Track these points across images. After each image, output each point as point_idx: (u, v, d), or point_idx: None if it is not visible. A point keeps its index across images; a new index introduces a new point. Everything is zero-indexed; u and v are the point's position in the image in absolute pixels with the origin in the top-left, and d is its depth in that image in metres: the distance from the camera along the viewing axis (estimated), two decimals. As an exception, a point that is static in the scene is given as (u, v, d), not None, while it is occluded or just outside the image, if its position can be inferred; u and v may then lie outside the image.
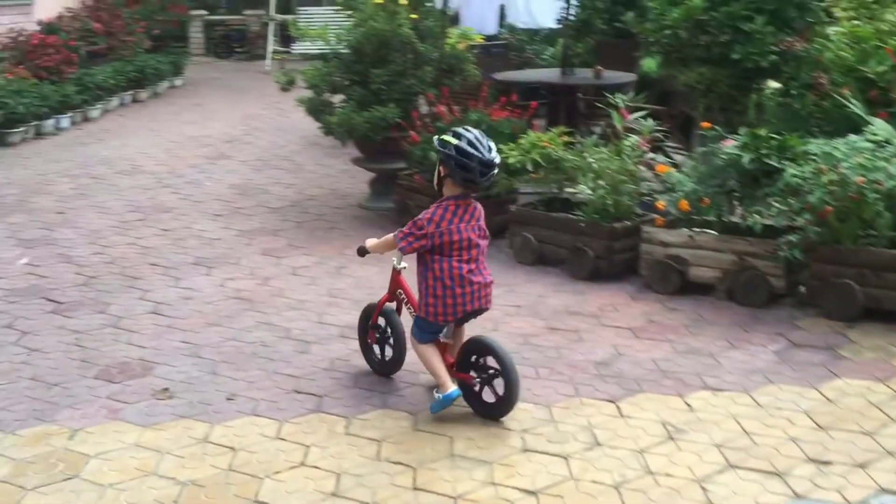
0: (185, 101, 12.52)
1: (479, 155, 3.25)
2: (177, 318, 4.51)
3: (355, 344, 4.02)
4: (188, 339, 4.23)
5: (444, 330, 3.47)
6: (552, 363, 3.92)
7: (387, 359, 3.79)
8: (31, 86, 9.50)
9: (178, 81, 14.18)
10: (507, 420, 3.37)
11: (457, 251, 3.31)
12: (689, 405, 3.50)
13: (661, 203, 4.98)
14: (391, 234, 3.49)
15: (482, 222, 3.41)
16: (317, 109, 6.34)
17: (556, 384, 3.70)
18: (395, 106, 6.06)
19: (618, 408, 3.49)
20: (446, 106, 6.16)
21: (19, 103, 8.96)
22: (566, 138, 5.55)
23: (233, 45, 18.77)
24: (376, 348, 3.83)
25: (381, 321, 3.77)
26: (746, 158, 4.58)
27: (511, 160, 5.39)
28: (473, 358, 3.42)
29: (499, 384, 3.34)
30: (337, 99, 6.49)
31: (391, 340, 3.73)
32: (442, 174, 3.38)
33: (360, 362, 3.91)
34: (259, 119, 11.02)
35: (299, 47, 15.18)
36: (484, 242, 3.40)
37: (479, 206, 3.42)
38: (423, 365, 3.47)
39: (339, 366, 3.92)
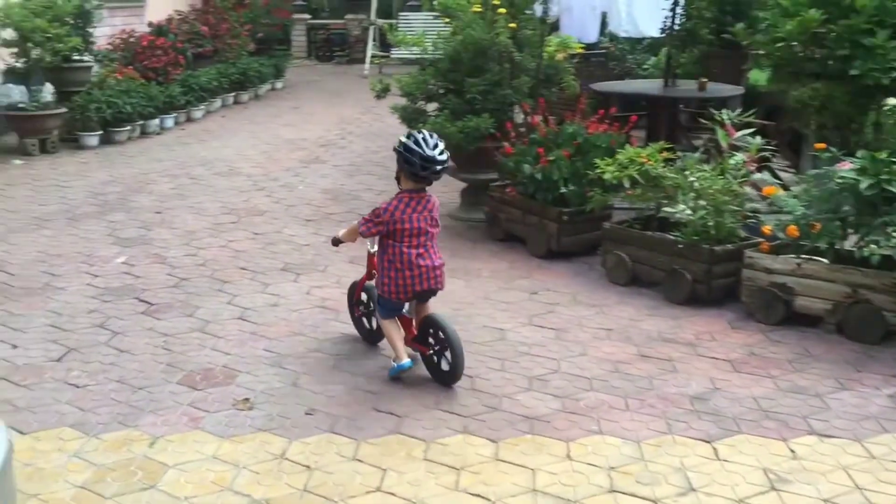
0: (283, 104, 12.73)
1: (421, 151, 3.68)
2: (262, 324, 4.50)
3: (438, 362, 3.94)
4: (272, 347, 4.21)
5: (406, 307, 3.91)
6: (643, 394, 3.71)
7: (374, 328, 4.20)
8: (139, 86, 9.80)
9: (278, 84, 14.45)
10: (593, 455, 3.20)
11: (407, 237, 3.74)
12: (792, 451, 3.25)
13: (768, 227, 4.70)
14: (356, 222, 3.95)
15: (435, 213, 3.83)
16: (410, 118, 6.28)
17: (647, 418, 3.50)
18: (490, 116, 5.94)
19: (714, 449, 3.26)
20: (542, 117, 6.00)
21: (127, 103, 9.25)
22: (666, 154, 5.31)
23: (333, 48, 19.07)
24: (364, 320, 4.29)
25: (364, 297, 4.23)
26: (865, 184, 4.25)
27: (607, 175, 5.20)
28: (429, 332, 3.84)
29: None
30: (431, 107, 6.42)
31: (376, 313, 4.07)
32: (398, 170, 3.82)
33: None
34: (354, 123, 11.09)
35: (398, 52, 15.26)
36: (434, 230, 3.83)
37: (433, 198, 3.85)
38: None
39: (419, 384, 3.82)
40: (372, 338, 4.25)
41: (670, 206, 5.07)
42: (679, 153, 5.60)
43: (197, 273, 5.27)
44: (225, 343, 4.24)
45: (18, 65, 8.66)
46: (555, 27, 10.67)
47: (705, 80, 7.41)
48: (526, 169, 5.64)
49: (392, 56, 16.56)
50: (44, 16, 8.55)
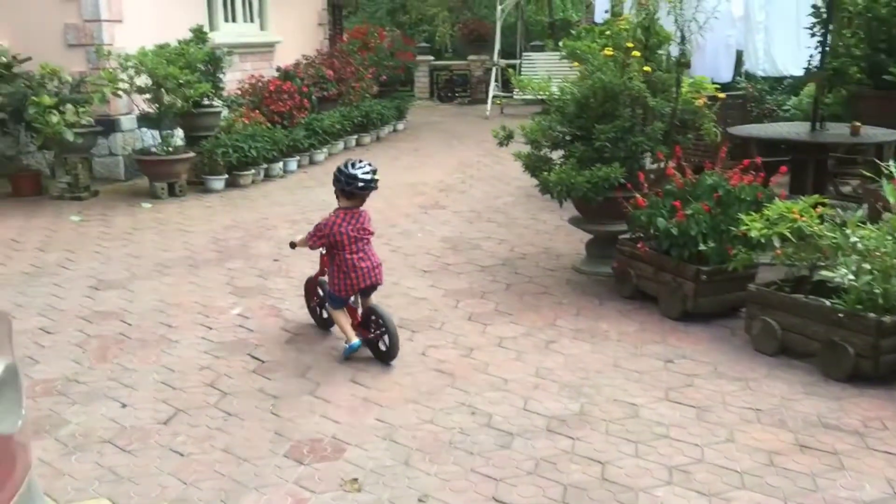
0: (404, 146, 12.70)
1: (346, 170, 4.51)
2: (374, 388, 4.24)
3: (564, 442, 3.58)
4: (384, 416, 3.93)
5: (352, 299, 4.67)
6: (806, 497, 3.20)
7: (326, 317, 4.96)
8: (265, 130, 9.94)
9: (399, 125, 14.49)
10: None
11: (348, 246, 4.52)
12: None
13: (947, 297, 4.09)
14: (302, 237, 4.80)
15: (367, 225, 4.63)
16: (534, 166, 5.95)
17: (812, 528, 2.99)
18: (620, 165, 5.55)
19: (898, 575, 2.73)
20: (677, 166, 5.55)
21: (252, 147, 9.37)
22: (821, 210, 4.76)
23: (455, 89, 19.09)
24: (318, 310, 5.05)
25: (320, 291, 4.99)
26: None
27: (753, 233, 4.70)
28: (371, 319, 4.59)
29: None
30: (556, 155, 6.08)
31: (327, 304, 4.85)
32: (335, 191, 4.63)
33: (567, 468, 3.41)
34: (475, 167, 10.88)
35: (520, 92, 15.05)
36: (367, 237, 4.63)
37: (364, 212, 4.66)
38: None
39: (544, 470, 3.44)
40: (324, 325, 5.03)
41: (828, 269, 4.51)
42: (835, 208, 5.03)
43: (310, 328, 5.09)
44: (335, 410, 4.00)
45: (151, 111, 8.91)
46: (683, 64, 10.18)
47: (858, 123, 6.77)
48: (660, 223, 5.19)
49: (514, 97, 16.40)
50: (176, 63, 8.78)
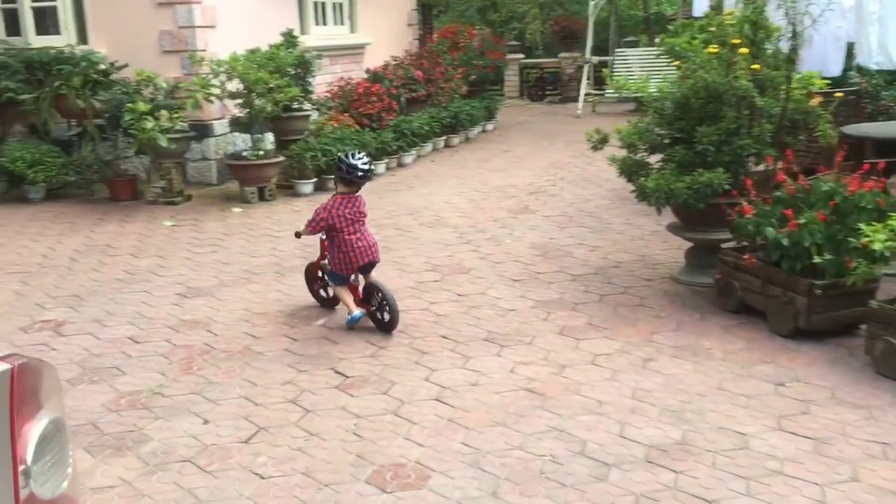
0: (493, 147, 12.47)
1: (347, 160, 5.01)
2: (461, 409, 4.04)
3: (666, 476, 3.30)
4: (470, 440, 3.72)
5: (352, 277, 5.12)
6: (945, 551, 2.83)
7: (329, 297, 5.42)
8: (353, 133, 9.89)
9: (489, 126, 14.27)
10: None
11: (346, 227, 4.97)
12: None
13: None
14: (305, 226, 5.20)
15: (362, 208, 5.08)
16: (630, 171, 5.64)
17: (955, 590, 2.63)
18: (724, 170, 5.18)
19: None
20: (787, 171, 5.15)
21: (340, 150, 9.31)
22: (955, 220, 4.30)
23: (546, 87, 18.74)
24: (321, 292, 5.48)
25: (321, 273, 5.40)
26: None
27: (876, 245, 4.28)
28: (372, 294, 5.04)
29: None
30: (654, 159, 5.75)
31: (330, 283, 5.34)
32: (335, 178, 5.27)
33: (671, 506, 3.14)
34: (566, 168, 10.56)
35: (613, 90, 14.62)
36: (363, 219, 5.08)
37: (360, 197, 5.10)
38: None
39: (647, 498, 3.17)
40: (328, 304, 5.45)
41: (963, 287, 4.06)
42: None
43: (395, 340, 4.93)
44: (419, 431, 3.82)
45: (242, 115, 8.96)
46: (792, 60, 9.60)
47: None
48: (769, 232, 4.81)
49: (606, 95, 15.95)
50: (266, 67, 8.80)
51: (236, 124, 9.12)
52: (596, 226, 7.56)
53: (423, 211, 8.31)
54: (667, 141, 5.64)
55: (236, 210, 8.46)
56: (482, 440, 3.72)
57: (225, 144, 9.95)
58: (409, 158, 11.06)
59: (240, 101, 8.86)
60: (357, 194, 5.08)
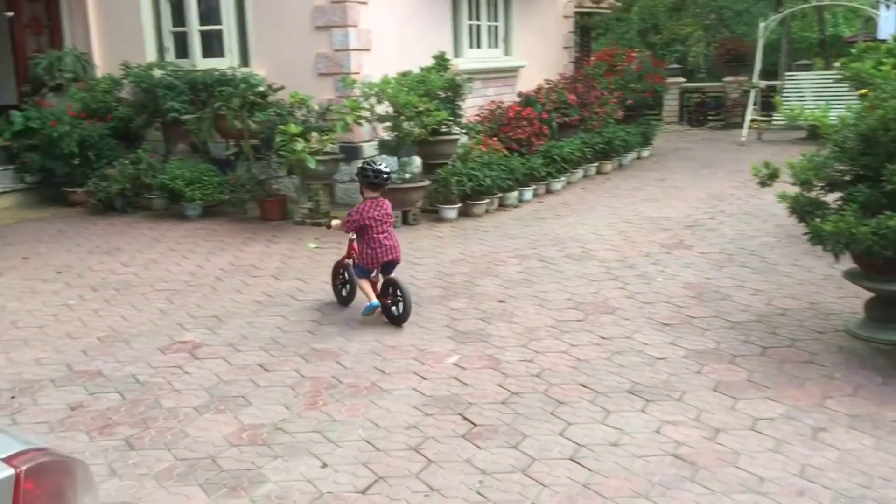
0: (648, 175, 11.89)
1: (371, 167, 5.61)
2: (598, 473, 3.63)
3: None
4: (606, 512, 3.32)
5: (374, 272, 5.62)
6: None
7: (346, 295, 5.97)
8: (501, 158, 9.64)
9: (644, 152, 13.69)
10: None
11: (375, 227, 5.51)
12: None
13: None
14: (340, 221, 5.86)
15: (388, 210, 5.61)
16: (804, 210, 5.04)
17: None
18: (918, 213, 4.50)
19: None
20: None
21: (487, 176, 9.10)
22: None
23: (708, 112, 17.87)
24: (342, 289, 6.00)
25: (344, 273, 5.92)
26: None
27: None
28: (389, 289, 5.55)
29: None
30: (832, 197, 5.11)
31: (348, 286, 5.94)
32: (361, 186, 5.74)
33: None
34: (727, 200, 9.86)
35: (781, 116, 13.65)
36: (390, 220, 5.61)
37: (386, 201, 5.64)
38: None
39: None
40: (344, 302, 6.00)
41: None
42: None
43: (530, 386, 4.58)
44: (550, 497, 3.44)
45: (389, 138, 8.91)
46: None
47: None
48: (973, 290, 4.11)
49: (774, 121, 14.96)
50: (416, 90, 8.72)
51: (384, 147, 9.08)
52: (759, 266, 6.91)
53: (569, 242, 7.92)
54: (848, 178, 4.99)
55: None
56: (620, 514, 3.31)
57: (373, 167, 9.94)
58: (557, 185, 10.69)
59: (388, 123, 8.81)
60: (383, 199, 5.65)
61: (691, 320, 5.63)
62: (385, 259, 5.57)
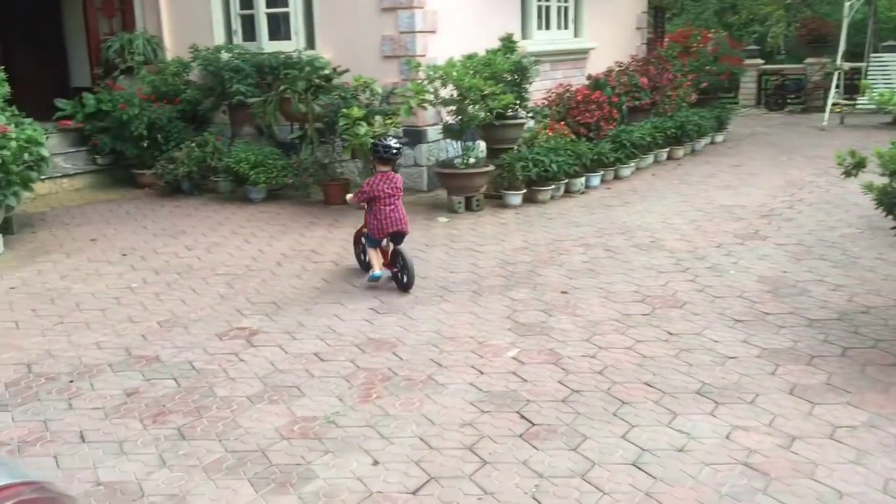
0: (722, 161, 11.45)
1: (382, 142, 6.09)
2: (662, 480, 3.43)
3: None
4: (669, 524, 3.12)
5: (383, 242, 6.04)
6: None
7: (366, 260, 6.23)
8: (568, 143, 9.38)
9: (718, 137, 13.20)
10: None
11: (384, 199, 5.91)
12: None
13: None
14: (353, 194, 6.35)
15: (398, 184, 6.01)
16: (892, 202, 4.70)
17: None
18: None
19: None
20: None
21: (553, 161, 8.86)
22: None
23: (787, 95, 17.17)
24: (362, 255, 6.39)
25: (363, 240, 6.27)
26: None
27: None
28: (398, 259, 5.96)
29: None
30: (925, 189, 4.75)
31: (366, 246, 6.21)
32: (372, 160, 6.25)
33: None
34: (806, 188, 9.40)
35: (866, 100, 13.00)
36: (399, 194, 5.99)
37: (397, 175, 6.05)
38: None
39: None
40: (366, 268, 6.30)
41: None
42: None
43: (592, 384, 4.38)
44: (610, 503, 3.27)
45: (453, 122, 8.74)
46: None
47: None
48: None
49: (858, 105, 14.26)
50: (482, 73, 8.52)
51: (448, 131, 8.91)
52: (840, 259, 6.54)
53: (636, 230, 7.64)
54: (943, 168, 4.63)
55: (442, 220, 8.25)
56: (684, 527, 3.10)
57: (437, 151, 9.81)
58: (626, 171, 10.37)
59: (453, 107, 8.64)
60: (394, 173, 6.04)
61: (766, 317, 5.34)
62: (391, 230, 5.93)
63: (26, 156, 7.24)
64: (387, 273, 6.13)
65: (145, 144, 9.87)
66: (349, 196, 6.46)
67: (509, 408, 4.12)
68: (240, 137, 10.07)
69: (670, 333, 5.08)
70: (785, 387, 4.30)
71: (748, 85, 17.63)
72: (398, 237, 6.00)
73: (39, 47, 12.05)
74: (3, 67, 8.75)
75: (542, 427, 3.92)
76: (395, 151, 6.03)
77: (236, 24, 10.77)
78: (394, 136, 6.41)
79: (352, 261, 6.72)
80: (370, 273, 6.03)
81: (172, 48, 11.15)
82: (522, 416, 4.03)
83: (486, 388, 4.35)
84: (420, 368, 4.63)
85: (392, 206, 5.92)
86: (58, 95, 10.81)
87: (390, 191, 5.93)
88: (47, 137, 8.13)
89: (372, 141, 6.33)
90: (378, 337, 5.12)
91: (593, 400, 4.19)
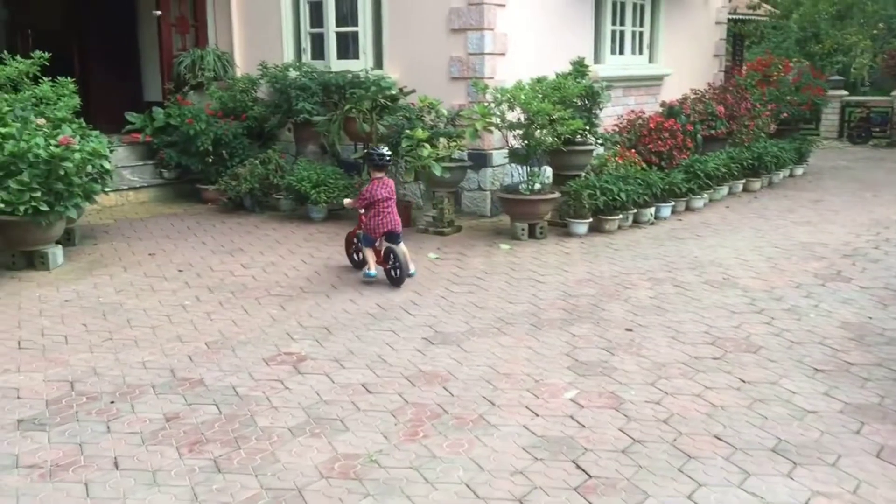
0: (801, 195, 10.93)
1: (376, 150, 6.77)
2: (731, 551, 3.09)
3: None
4: None
5: (377, 241, 6.65)
6: None
7: (358, 260, 6.98)
8: (638, 172, 9.04)
9: (798, 170, 12.67)
10: None
11: (380, 202, 6.56)
12: None
13: None
14: (351, 199, 7.19)
15: (392, 189, 6.67)
16: None
17: None
18: None
19: None
20: None
21: (622, 190, 8.54)
22: None
23: (872, 129, 16.45)
24: (354, 255, 7.05)
25: (356, 241, 6.94)
26: None
27: None
28: (390, 256, 6.58)
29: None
30: None
31: (360, 252, 6.92)
32: (367, 168, 7.18)
33: None
34: (893, 227, 8.87)
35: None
36: (393, 197, 6.64)
37: (390, 180, 6.73)
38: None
39: None
40: (359, 266, 6.90)
41: None
42: None
43: (656, 433, 4.05)
44: (671, 577, 2.94)
45: (519, 146, 8.50)
46: None
47: None
48: None
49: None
50: (550, 97, 8.27)
51: (514, 156, 8.68)
52: (933, 307, 6.05)
53: (708, 266, 7.25)
54: None
55: (503, 247, 7.99)
56: None
57: (502, 175, 9.58)
58: (699, 202, 9.96)
59: (519, 131, 8.41)
60: (387, 178, 6.66)
61: (849, 367, 4.92)
62: (386, 229, 6.53)
63: (89, 168, 7.25)
64: (380, 271, 6.71)
65: (210, 160, 9.88)
66: (347, 200, 7.16)
67: (565, 456, 3.82)
68: (304, 156, 10.02)
69: (743, 381, 4.71)
70: (872, 448, 3.90)
71: (830, 117, 16.97)
72: (392, 236, 6.54)
73: (115, 62, 12.27)
74: (77, 81, 8.87)
75: (600, 480, 3.61)
76: (388, 158, 6.69)
77: (306, 43, 10.76)
78: (382, 145, 7.25)
79: (410, 288, 6.51)
80: (365, 271, 6.62)
81: (242, 65, 11.21)
82: (578, 467, 3.73)
83: (540, 433, 4.06)
84: (471, 406, 4.36)
85: (387, 209, 6.54)
86: (131, 109, 10.97)
87: (386, 195, 6.57)
88: (113, 150, 8.18)
89: (368, 150, 7.20)
90: (429, 369, 4.88)
91: (657, 452, 3.86)
